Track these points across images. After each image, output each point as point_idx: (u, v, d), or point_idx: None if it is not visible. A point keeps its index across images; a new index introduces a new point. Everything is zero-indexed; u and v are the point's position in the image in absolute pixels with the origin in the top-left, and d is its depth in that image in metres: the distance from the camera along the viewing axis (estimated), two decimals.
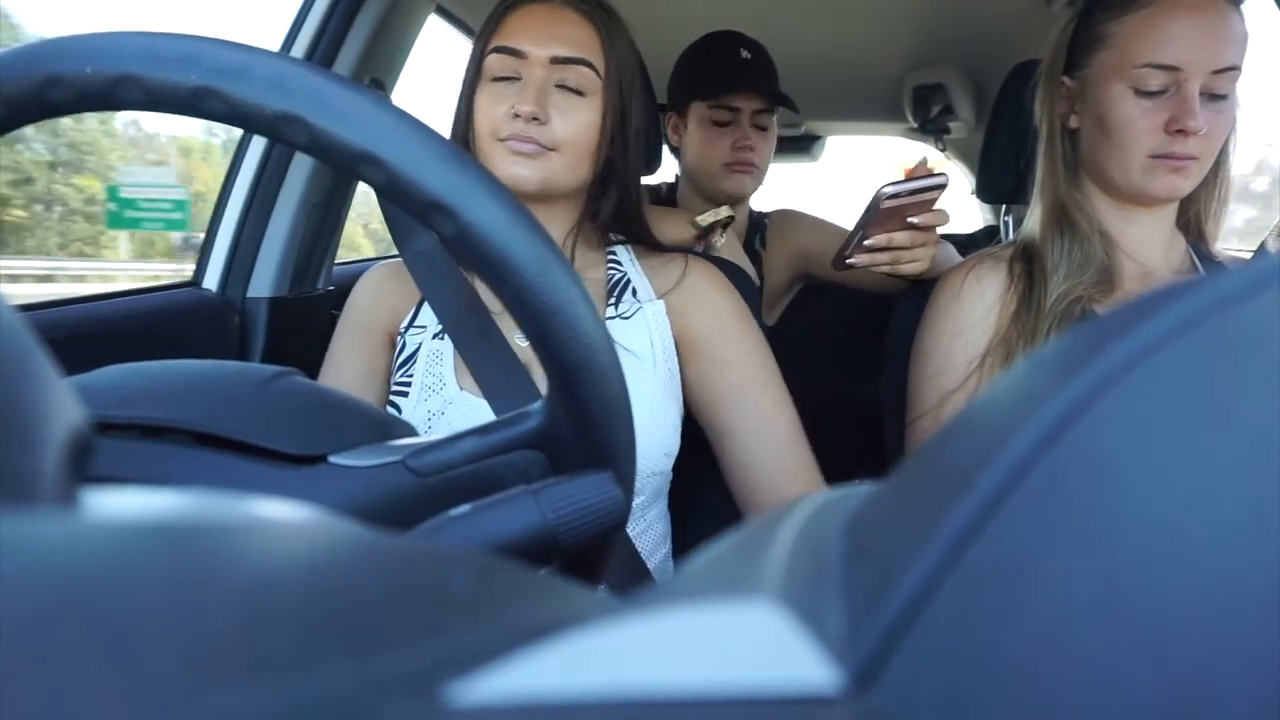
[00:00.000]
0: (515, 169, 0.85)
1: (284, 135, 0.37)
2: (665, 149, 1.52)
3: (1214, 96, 0.87)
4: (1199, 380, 0.13)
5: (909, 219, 0.96)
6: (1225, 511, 0.12)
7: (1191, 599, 0.11)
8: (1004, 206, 1.76)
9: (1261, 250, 1.07)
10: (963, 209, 2.64)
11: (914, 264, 0.99)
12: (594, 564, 0.45)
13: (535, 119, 0.84)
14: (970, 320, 0.96)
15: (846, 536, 0.17)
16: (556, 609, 0.18)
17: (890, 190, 0.93)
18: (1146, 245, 0.95)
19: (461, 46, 1.69)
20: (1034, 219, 0.98)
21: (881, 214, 0.95)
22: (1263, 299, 0.14)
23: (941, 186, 0.94)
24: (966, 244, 1.73)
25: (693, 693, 0.13)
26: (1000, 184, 1.21)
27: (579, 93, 0.87)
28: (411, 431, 0.44)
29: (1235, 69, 0.87)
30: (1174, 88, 0.87)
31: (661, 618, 0.16)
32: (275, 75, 0.36)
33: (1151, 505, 0.12)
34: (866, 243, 0.97)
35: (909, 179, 0.94)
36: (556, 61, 0.86)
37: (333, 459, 0.40)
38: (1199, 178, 0.90)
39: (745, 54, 1.39)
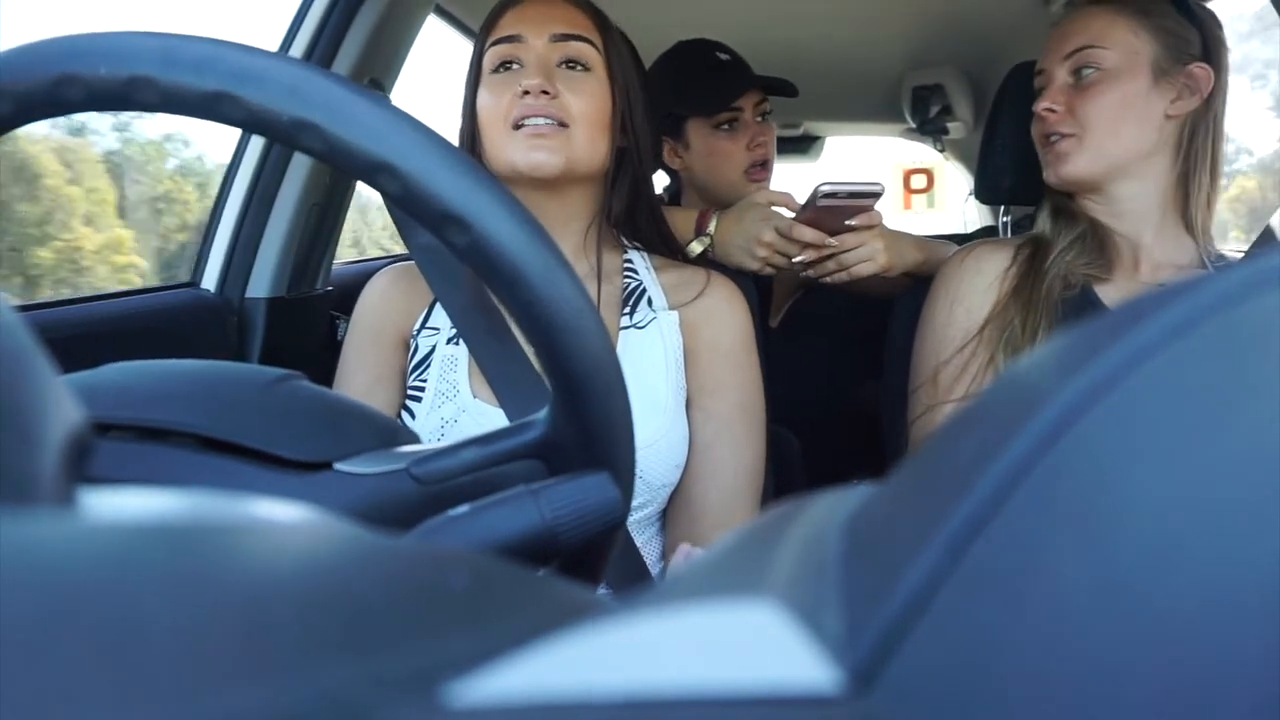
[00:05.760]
0: (535, 155, 0.83)
1: (300, 142, 0.36)
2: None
3: (1078, 72, 0.96)
4: (1199, 380, 0.13)
5: (846, 222, 1.01)
6: (1226, 511, 0.12)
7: (1191, 598, 0.11)
8: (1002, 207, 1.76)
9: (1262, 241, 1.06)
10: (961, 210, 2.64)
11: (867, 263, 1.03)
12: (593, 564, 0.45)
13: (544, 92, 0.83)
14: (971, 289, 1.02)
15: (846, 536, 0.17)
16: (555, 609, 0.18)
17: (827, 189, 0.97)
18: (1127, 218, 1.01)
19: (462, 47, 1.69)
20: (1041, 218, 1.07)
21: (816, 212, 0.99)
22: (1263, 299, 0.14)
23: (876, 195, 0.99)
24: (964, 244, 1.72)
25: (692, 693, 0.13)
26: (999, 185, 1.21)
27: (583, 68, 0.86)
28: (415, 439, 0.44)
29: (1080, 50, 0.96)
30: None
31: (660, 618, 0.15)
32: (293, 82, 0.36)
33: (1152, 505, 0.12)
34: (799, 235, 1.01)
35: (847, 181, 0.98)
36: (556, 39, 0.86)
37: (338, 466, 0.40)
38: (1074, 155, 0.96)
39: (723, 55, 1.38)
